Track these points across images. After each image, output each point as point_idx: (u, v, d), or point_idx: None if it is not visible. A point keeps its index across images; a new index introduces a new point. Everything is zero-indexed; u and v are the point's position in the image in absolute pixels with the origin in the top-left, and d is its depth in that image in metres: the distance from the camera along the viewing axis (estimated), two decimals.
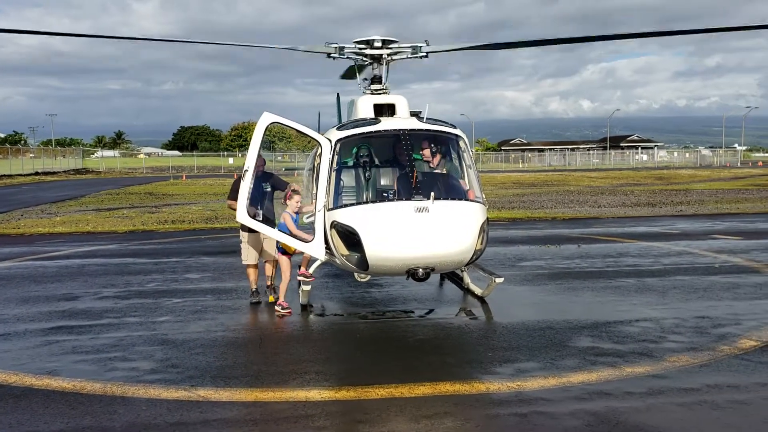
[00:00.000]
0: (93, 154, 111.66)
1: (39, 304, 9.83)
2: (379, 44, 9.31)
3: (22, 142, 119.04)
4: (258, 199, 9.12)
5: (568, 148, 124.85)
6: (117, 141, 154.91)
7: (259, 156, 8.91)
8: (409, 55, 9.63)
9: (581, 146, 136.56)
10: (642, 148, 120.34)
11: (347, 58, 9.79)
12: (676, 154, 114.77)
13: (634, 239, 16.07)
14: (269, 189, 9.59)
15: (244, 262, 9.80)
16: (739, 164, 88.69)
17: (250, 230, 9.26)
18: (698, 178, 51.37)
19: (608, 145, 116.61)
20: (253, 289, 9.77)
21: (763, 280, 10.85)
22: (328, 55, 9.59)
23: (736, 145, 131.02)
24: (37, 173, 62.34)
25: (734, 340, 7.50)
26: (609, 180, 49.24)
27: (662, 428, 5.20)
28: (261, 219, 8.76)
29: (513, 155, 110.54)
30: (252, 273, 9.78)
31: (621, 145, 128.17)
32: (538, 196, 32.34)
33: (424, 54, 9.59)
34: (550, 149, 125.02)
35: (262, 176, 9.42)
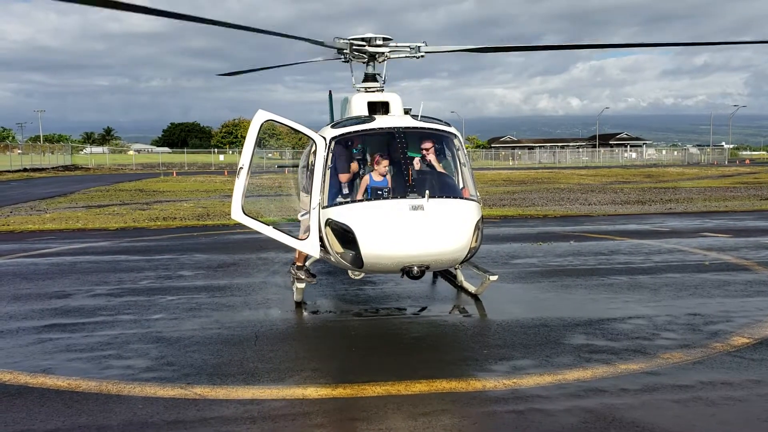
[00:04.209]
0: (82, 150, 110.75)
1: (31, 301, 9.77)
2: (377, 42, 9.29)
3: (10, 138, 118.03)
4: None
5: (557, 146, 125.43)
6: (106, 137, 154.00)
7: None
8: (407, 54, 9.62)
9: (571, 144, 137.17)
10: (631, 146, 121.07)
11: (346, 57, 9.74)
12: (664, 152, 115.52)
13: (625, 237, 16.16)
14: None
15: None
16: (726, 162, 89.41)
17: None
18: (686, 176, 51.73)
19: (597, 143, 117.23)
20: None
21: (753, 277, 10.95)
22: (338, 51, 9.53)
23: (723, 143, 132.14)
24: (25, 170, 61.76)
25: (726, 337, 7.57)
26: (599, 178, 49.50)
27: (658, 425, 5.24)
28: None
29: (503, 153, 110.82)
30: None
31: (610, 143, 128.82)
32: (529, 194, 32.46)
33: (422, 54, 9.58)
34: (540, 147, 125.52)
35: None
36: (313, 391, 6.03)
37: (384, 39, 9.37)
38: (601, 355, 6.95)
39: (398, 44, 9.47)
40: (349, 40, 9.45)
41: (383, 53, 9.47)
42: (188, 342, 7.62)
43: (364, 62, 9.71)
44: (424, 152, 8.64)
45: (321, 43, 9.33)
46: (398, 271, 7.68)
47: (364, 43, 9.40)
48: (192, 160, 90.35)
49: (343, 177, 8.32)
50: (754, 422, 5.33)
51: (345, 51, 9.51)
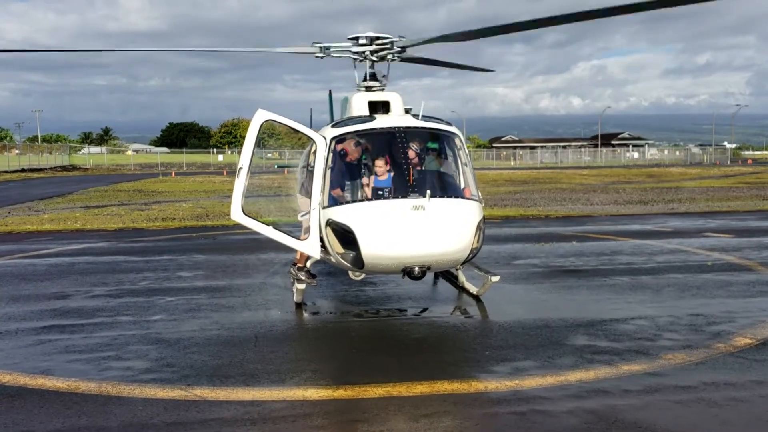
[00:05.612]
0: (80, 150, 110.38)
1: (30, 302, 9.73)
2: (379, 41, 9.24)
3: (8, 138, 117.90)
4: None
5: (559, 146, 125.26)
6: (104, 137, 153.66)
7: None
8: (400, 52, 9.53)
9: (573, 144, 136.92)
10: (633, 145, 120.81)
11: (339, 57, 9.68)
12: (666, 152, 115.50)
13: (627, 237, 16.12)
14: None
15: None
16: (728, 162, 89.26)
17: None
18: (689, 176, 51.66)
19: (599, 143, 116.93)
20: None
21: (756, 277, 10.90)
22: (319, 53, 9.47)
23: (725, 143, 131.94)
24: (23, 170, 61.63)
25: (729, 337, 7.53)
26: (601, 177, 49.45)
27: (660, 426, 5.21)
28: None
29: (504, 152, 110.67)
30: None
31: (612, 142, 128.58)
32: (531, 194, 32.41)
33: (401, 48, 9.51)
34: (541, 146, 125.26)
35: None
36: (313, 393, 5.99)
37: (385, 37, 9.32)
38: (604, 356, 6.91)
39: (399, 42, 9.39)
40: (350, 38, 9.41)
41: (378, 52, 9.40)
42: (188, 343, 7.59)
43: (362, 61, 9.65)
44: (425, 152, 8.59)
45: (327, 51, 9.27)
46: (399, 271, 7.65)
47: (365, 41, 9.34)
48: (191, 160, 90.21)
49: (337, 190, 8.27)
50: (756, 423, 5.30)
51: (348, 50, 9.45)
